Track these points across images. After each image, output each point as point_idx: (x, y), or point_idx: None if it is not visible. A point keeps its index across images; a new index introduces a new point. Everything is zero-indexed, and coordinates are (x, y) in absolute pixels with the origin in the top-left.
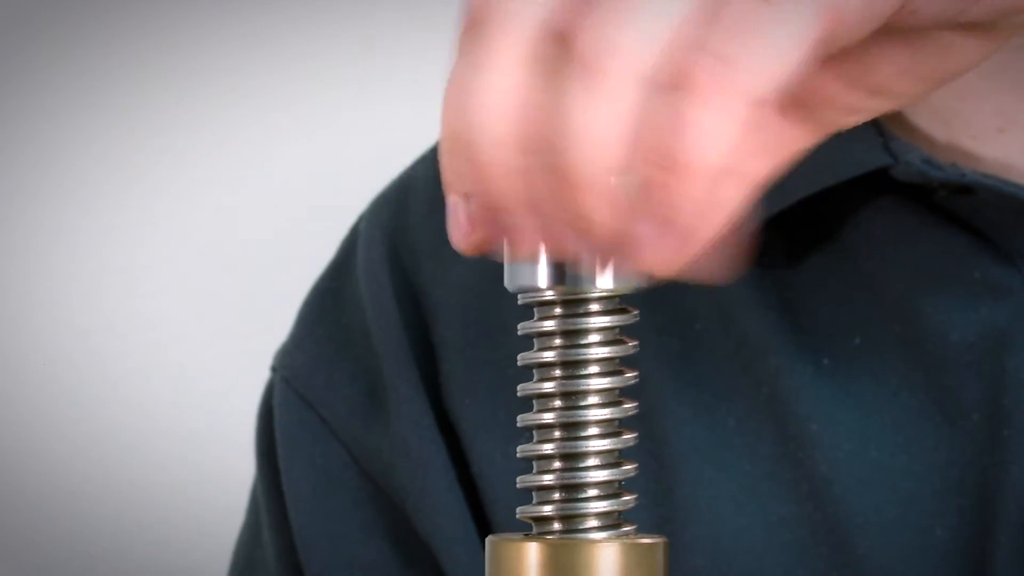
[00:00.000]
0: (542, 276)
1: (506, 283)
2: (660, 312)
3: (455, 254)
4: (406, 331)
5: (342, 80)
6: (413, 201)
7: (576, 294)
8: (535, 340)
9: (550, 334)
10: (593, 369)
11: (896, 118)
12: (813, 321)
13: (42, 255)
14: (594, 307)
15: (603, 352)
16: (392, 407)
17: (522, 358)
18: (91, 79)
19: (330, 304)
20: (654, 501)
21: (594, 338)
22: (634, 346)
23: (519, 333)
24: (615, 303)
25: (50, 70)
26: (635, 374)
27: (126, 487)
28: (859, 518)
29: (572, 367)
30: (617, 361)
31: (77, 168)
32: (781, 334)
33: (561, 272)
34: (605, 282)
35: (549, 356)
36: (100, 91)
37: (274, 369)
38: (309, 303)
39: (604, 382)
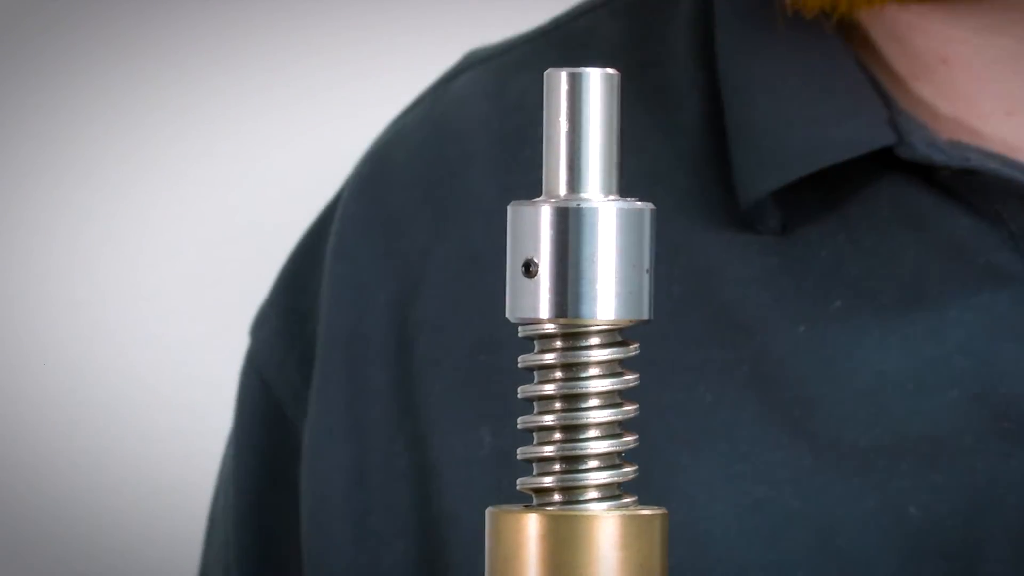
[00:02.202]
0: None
1: (507, 314)
2: None
3: (445, 224)
4: (362, 306)
5: (347, 74)
6: (399, 154)
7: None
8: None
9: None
10: (594, 341)
11: (900, 85)
12: (796, 289)
13: (41, 227)
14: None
15: (603, 326)
16: (311, 399)
17: (522, 331)
18: (92, 54)
19: (301, 272)
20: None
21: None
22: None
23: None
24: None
25: (52, 49)
26: (636, 345)
27: (123, 459)
28: (838, 509)
29: (573, 339)
30: (617, 334)
31: (77, 140)
32: (761, 308)
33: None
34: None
35: (550, 328)
36: (103, 66)
37: (250, 333)
38: (284, 268)
39: (604, 353)
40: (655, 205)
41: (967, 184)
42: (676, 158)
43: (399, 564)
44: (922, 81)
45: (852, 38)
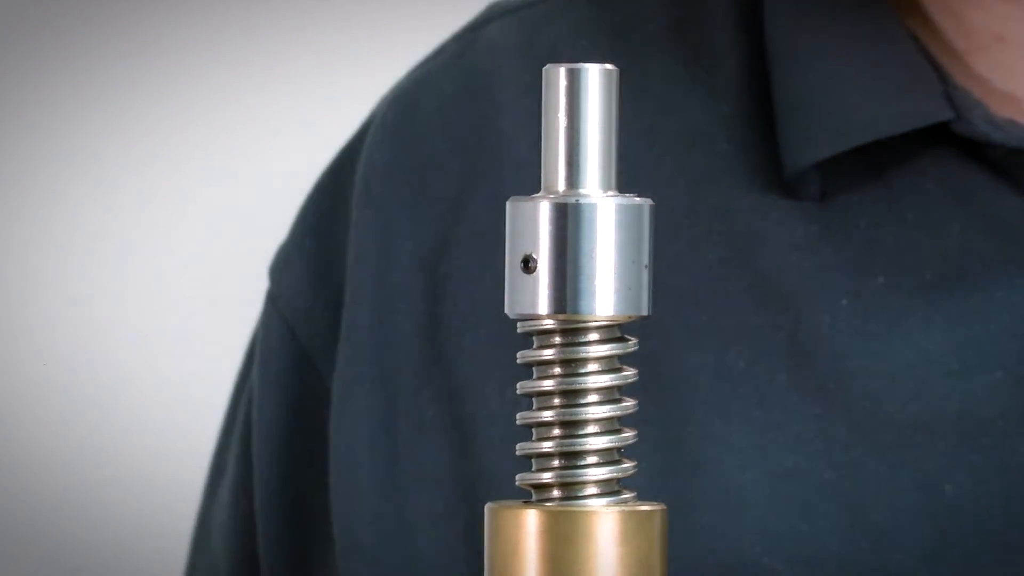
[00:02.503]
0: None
1: (506, 310)
2: (674, 242)
3: (475, 174)
4: (395, 254)
5: (346, 69)
6: (428, 102)
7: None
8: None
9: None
10: (593, 337)
11: (955, 59)
12: (837, 259)
13: (38, 222)
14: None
15: (602, 322)
16: (339, 347)
17: (521, 327)
18: (90, 50)
19: (324, 212)
20: (659, 450)
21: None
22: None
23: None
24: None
25: (50, 45)
26: (635, 341)
27: (119, 454)
28: (872, 484)
29: (571, 335)
30: (616, 330)
31: (75, 135)
32: (802, 276)
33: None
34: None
35: (549, 324)
36: (100, 62)
37: (270, 275)
38: (306, 207)
39: (603, 349)
40: (695, 167)
41: (1021, 164)
42: (715, 120)
43: (424, 516)
44: (976, 57)
45: (906, 11)
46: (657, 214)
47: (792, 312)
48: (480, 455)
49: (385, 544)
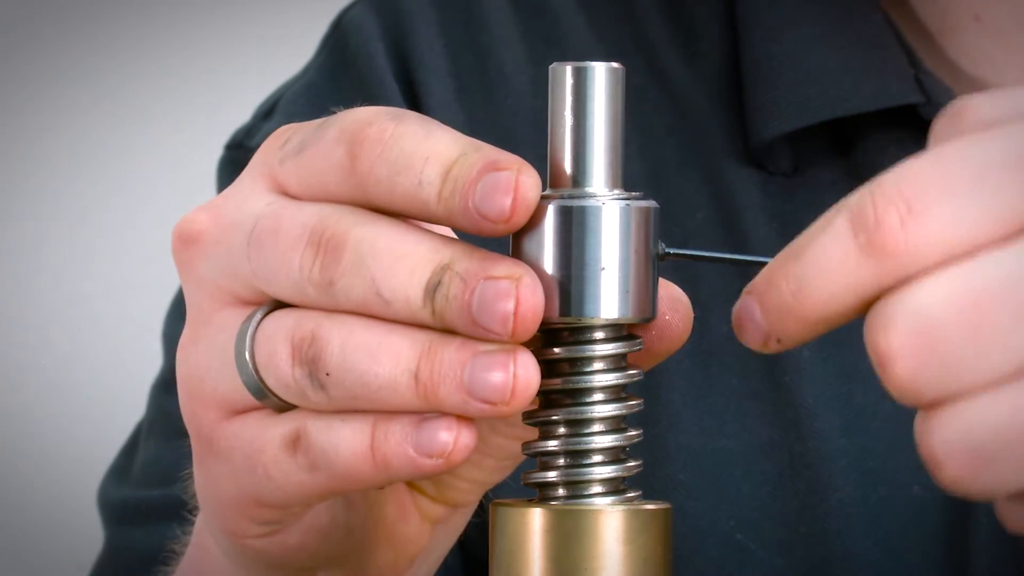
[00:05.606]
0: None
1: None
2: (662, 196)
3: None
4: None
5: None
6: None
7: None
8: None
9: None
10: (599, 335)
11: (928, 43)
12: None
13: (43, 221)
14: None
15: (608, 322)
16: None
17: None
18: (92, 51)
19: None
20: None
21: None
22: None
23: None
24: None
25: (52, 46)
26: (640, 340)
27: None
28: (841, 461)
29: (578, 334)
30: (622, 329)
31: (77, 134)
32: (779, 247)
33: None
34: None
35: (556, 324)
36: (102, 63)
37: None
38: None
39: (609, 348)
40: (683, 127)
41: None
42: (699, 86)
43: None
44: (950, 38)
45: None
46: (650, 167)
47: None
48: None
49: None
